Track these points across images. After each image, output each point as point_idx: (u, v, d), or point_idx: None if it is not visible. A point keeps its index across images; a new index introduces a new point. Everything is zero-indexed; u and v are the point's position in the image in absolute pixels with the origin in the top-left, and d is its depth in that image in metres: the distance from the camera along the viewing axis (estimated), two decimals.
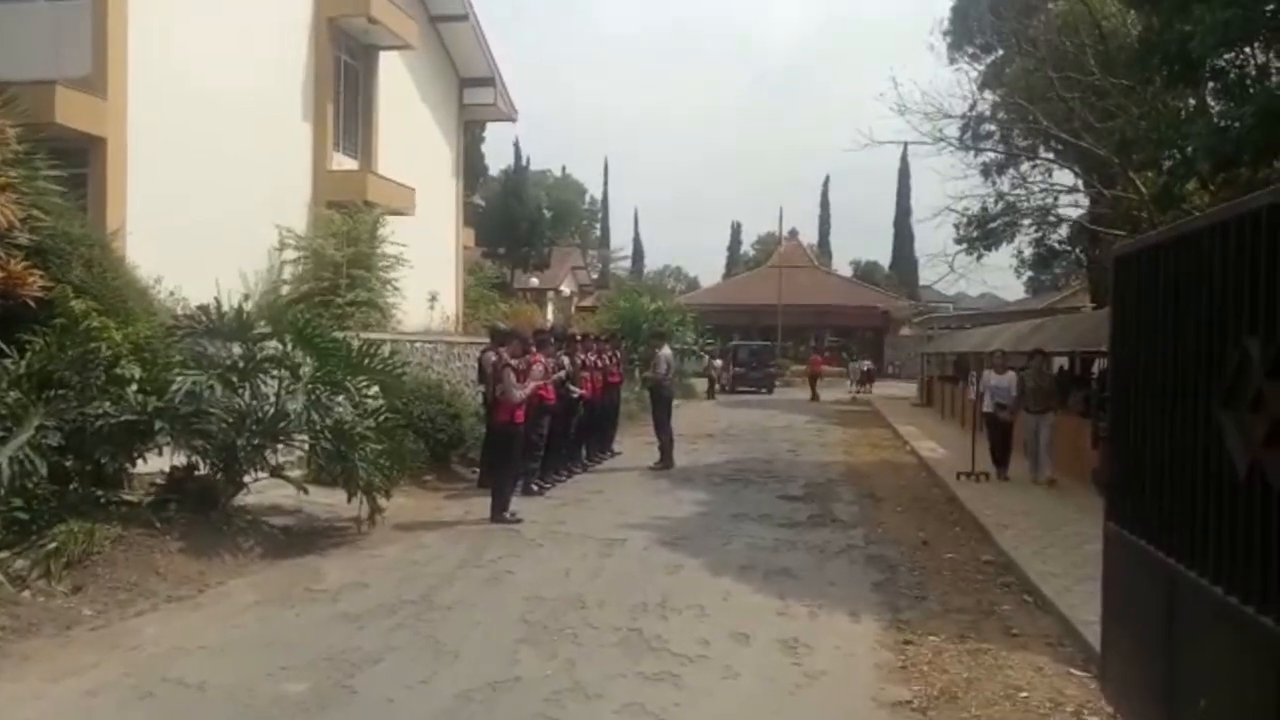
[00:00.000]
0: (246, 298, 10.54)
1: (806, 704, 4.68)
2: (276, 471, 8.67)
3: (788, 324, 45.10)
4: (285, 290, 14.09)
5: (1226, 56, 10.40)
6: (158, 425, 7.35)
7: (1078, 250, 20.91)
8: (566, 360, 11.87)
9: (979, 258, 20.41)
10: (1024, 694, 4.68)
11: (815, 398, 30.54)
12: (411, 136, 18.30)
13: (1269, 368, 2.75)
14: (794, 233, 56.41)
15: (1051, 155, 19.53)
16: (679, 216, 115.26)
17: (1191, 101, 12.46)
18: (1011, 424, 12.07)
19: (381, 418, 8.61)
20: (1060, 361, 15.55)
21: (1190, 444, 3.33)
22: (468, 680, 4.89)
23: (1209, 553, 3.10)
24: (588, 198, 59.86)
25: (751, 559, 7.51)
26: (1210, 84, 11.10)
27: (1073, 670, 5.04)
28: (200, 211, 11.35)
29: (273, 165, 13.98)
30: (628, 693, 4.74)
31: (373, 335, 11.48)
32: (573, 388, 11.75)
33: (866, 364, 38.19)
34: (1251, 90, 10.15)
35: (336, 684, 4.83)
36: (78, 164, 9.96)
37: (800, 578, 7.03)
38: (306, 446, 8.69)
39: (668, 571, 6.63)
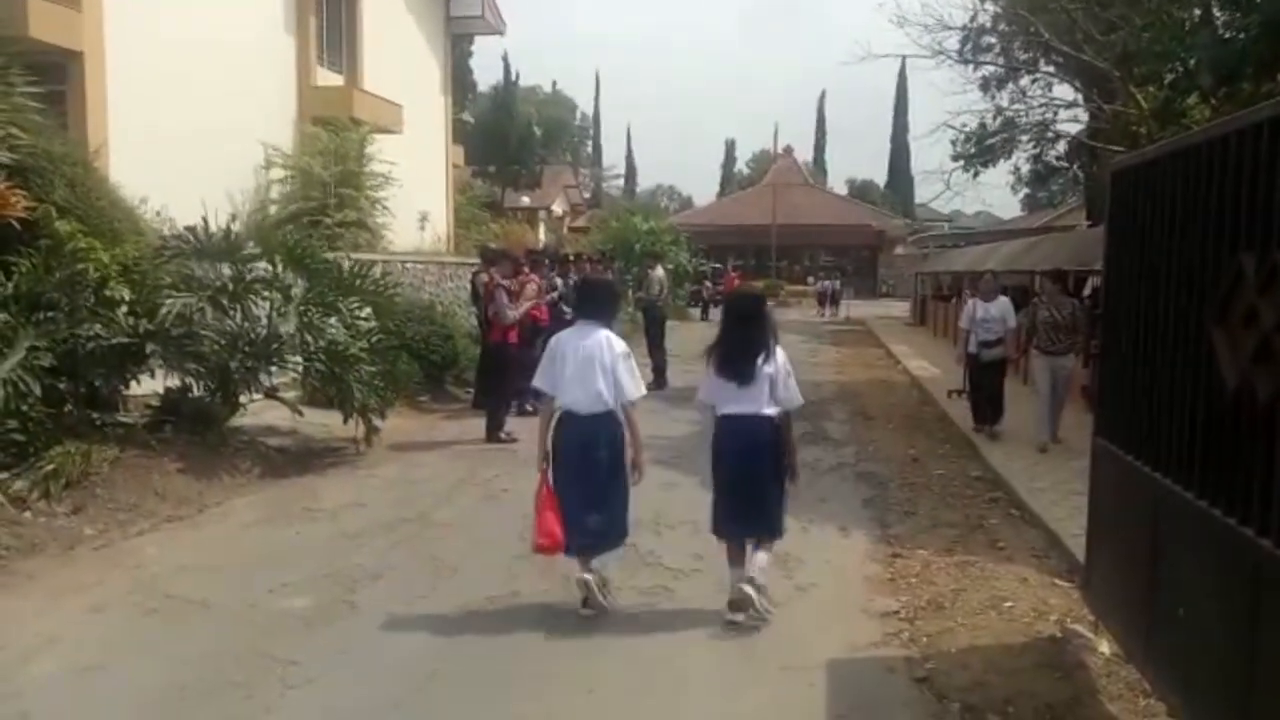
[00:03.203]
0: (234, 218, 10.40)
1: (796, 615, 4.79)
2: (271, 393, 8.69)
3: (782, 244, 44.83)
4: (273, 210, 13.90)
5: None
6: (149, 348, 7.35)
7: (1075, 167, 20.67)
8: (560, 281, 11.81)
9: (976, 175, 20.18)
10: (1009, 604, 4.81)
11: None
12: (398, 51, 17.82)
13: (1262, 283, 2.74)
14: (789, 150, 55.53)
15: (1052, 69, 19.13)
16: (672, 134, 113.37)
17: (1196, 12, 12.14)
18: (1002, 366, 9.34)
19: (375, 339, 8.60)
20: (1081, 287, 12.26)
21: (1180, 360, 3.35)
22: (467, 596, 5.00)
23: (1194, 467, 3.14)
24: (579, 115, 58.76)
25: None
26: None
27: (1057, 581, 5.17)
28: (183, 129, 11.09)
29: (256, 80, 13.62)
30: (623, 606, 4.84)
31: (363, 256, 11.38)
32: (566, 308, 11.71)
33: (830, 283, 34.15)
34: (1255, 1, 9.90)
35: (338, 599, 4.94)
36: (55, 80, 9.68)
37: (792, 494, 7.12)
38: (300, 368, 8.71)
39: (662, 488, 6.72)
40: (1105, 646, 4.15)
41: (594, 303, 4.89)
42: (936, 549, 5.78)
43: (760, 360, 4.56)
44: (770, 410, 4.60)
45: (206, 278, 7.92)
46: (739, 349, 4.61)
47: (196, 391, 7.95)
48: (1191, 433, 3.18)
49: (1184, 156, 3.47)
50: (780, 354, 4.66)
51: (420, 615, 4.76)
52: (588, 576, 4.66)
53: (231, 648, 4.28)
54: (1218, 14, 11.45)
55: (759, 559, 4.64)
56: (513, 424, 9.51)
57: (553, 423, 4.74)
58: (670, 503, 6.64)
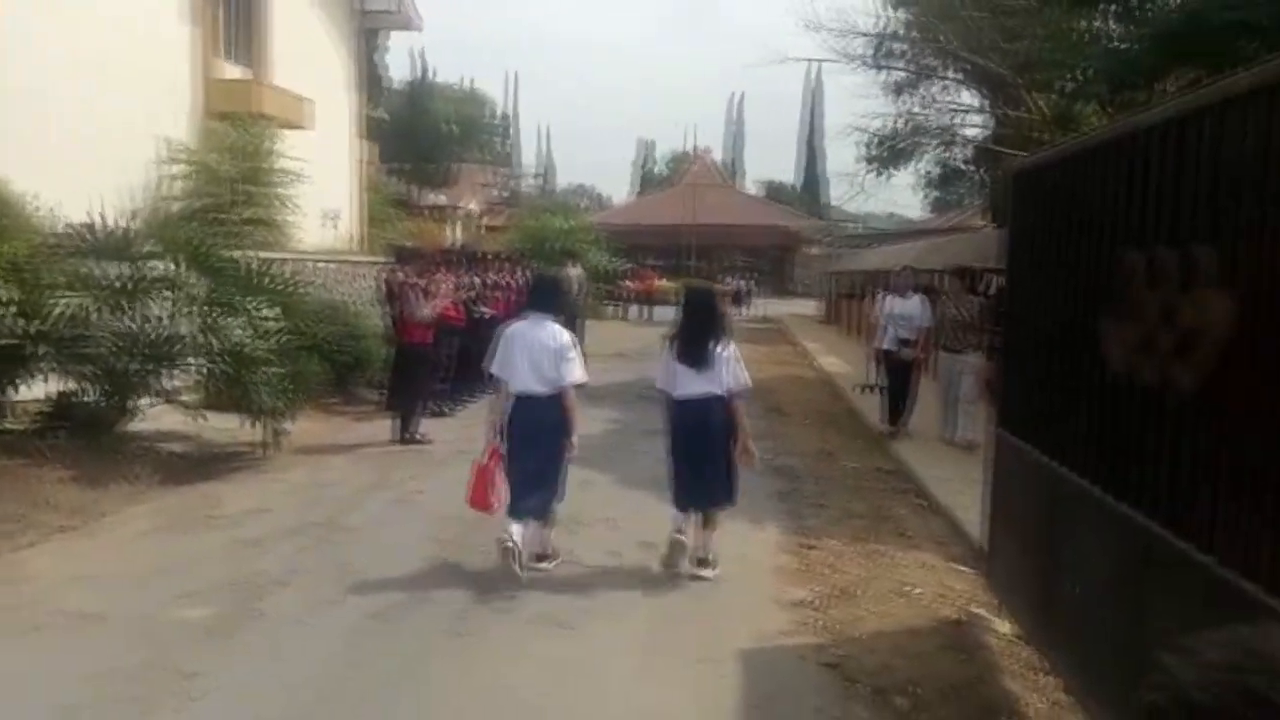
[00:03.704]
0: (133, 215, 9.96)
1: (711, 608, 4.84)
2: (170, 397, 8.36)
3: (699, 243, 45.20)
4: (173, 207, 13.36)
5: None
6: (40, 350, 6.98)
7: (980, 170, 21.41)
8: (475, 280, 11.67)
9: (886, 177, 20.74)
10: (915, 590, 4.95)
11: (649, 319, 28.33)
12: (307, 45, 17.33)
13: (1150, 280, 2.88)
14: (705, 151, 56.13)
15: (957, 75, 19.77)
16: (589, 134, 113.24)
17: (1096, 23, 12.71)
18: (911, 365, 9.15)
19: (282, 340, 8.34)
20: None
21: (1074, 352, 3.50)
22: (378, 600, 4.89)
23: (1087, 454, 3.28)
24: (495, 113, 58.16)
25: (661, 473, 7.55)
26: (1109, 6, 11.33)
27: (959, 567, 5.35)
28: (76, 123, 10.57)
29: (154, 73, 13.06)
30: (539, 605, 4.82)
31: (269, 254, 11.02)
32: (481, 308, 11.59)
33: (741, 282, 32.91)
34: (1146, 14, 10.41)
35: (242, 608, 4.76)
36: None
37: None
38: (202, 371, 8.39)
39: (579, 487, 6.67)
40: (1005, 628, 4.30)
41: (544, 297, 5.53)
42: (847, 539, 5.91)
43: (714, 347, 5.10)
44: (722, 391, 5.11)
45: (101, 277, 7.56)
46: (696, 338, 5.16)
47: (90, 396, 7.58)
48: (1085, 421, 3.32)
49: (1076, 159, 3.63)
50: (731, 343, 5.21)
51: (330, 622, 4.62)
52: (513, 539, 5.02)
53: (128, 662, 4.08)
54: (1111, 26, 12.00)
55: (711, 538, 5.27)
56: (426, 425, 9.35)
57: (508, 404, 5.27)
58: (586, 501, 6.62)
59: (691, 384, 5.13)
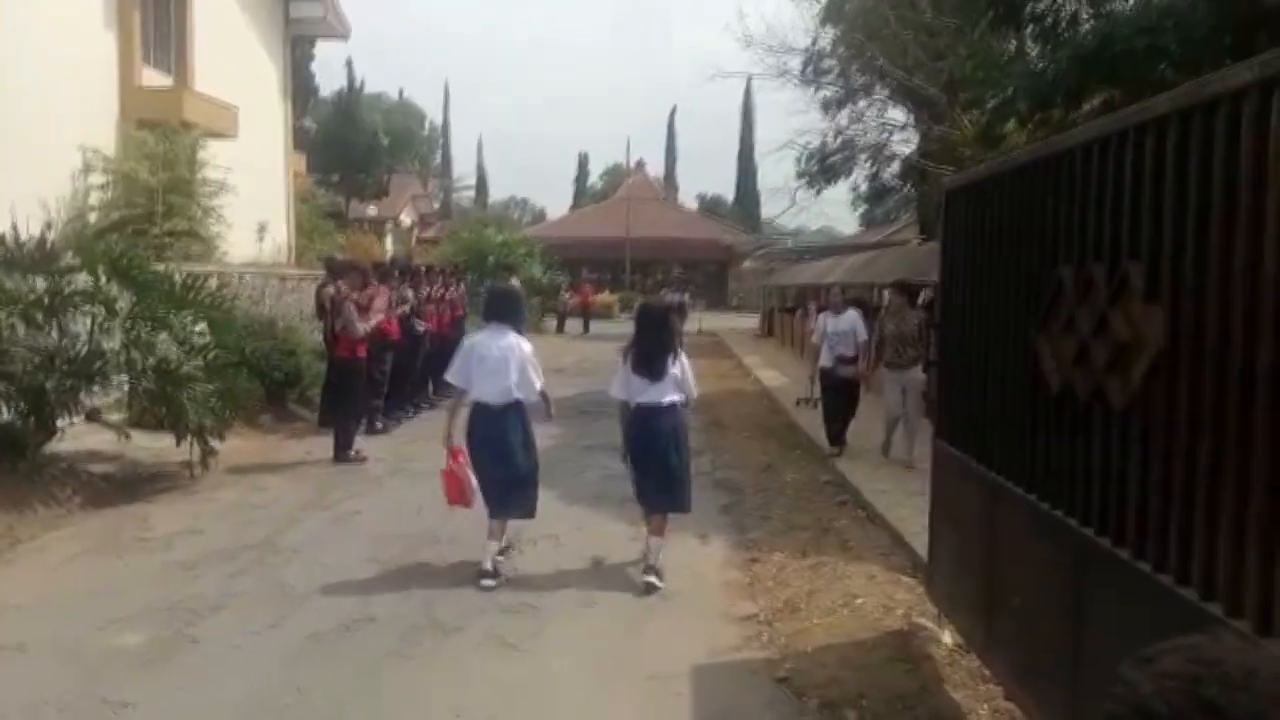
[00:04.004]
0: (49, 226, 9.58)
1: (660, 624, 4.84)
2: (93, 415, 8.05)
3: (635, 257, 45.37)
4: (93, 218, 12.90)
5: (1045, 3, 11.02)
6: None
7: (908, 186, 21.98)
8: (410, 293, 11.52)
9: (819, 192, 21.18)
10: (859, 601, 5.02)
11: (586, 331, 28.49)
12: (232, 52, 16.93)
13: (1079, 294, 2.99)
14: (641, 165, 56.35)
15: (886, 93, 20.30)
16: (524, 146, 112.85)
17: (1014, 44, 13.17)
18: (855, 383, 8.98)
19: (211, 355, 8.10)
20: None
21: (1009, 365, 3.60)
22: (319, 622, 4.77)
23: (1024, 464, 3.38)
24: (427, 124, 57.56)
25: (604, 488, 7.63)
26: (1031, 28, 11.75)
27: (902, 577, 5.44)
28: None
29: (72, 79, 12.62)
30: (486, 625, 4.76)
31: (196, 267, 10.71)
32: (417, 322, 11.44)
33: (675, 295, 33.16)
34: (1064, 37, 10.82)
35: (176, 633, 4.61)
36: None
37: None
38: (126, 388, 8.09)
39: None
40: (948, 637, 4.39)
41: (503, 308, 5.76)
42: (791, 552, 5.97)
43: (668, 359, 5.40)
44: (675, 398, 5.44)
45: (17, 290, 7.24)
46: (652, 350, 5.42)
47: (6, 415, 7.25)
48: (1021, 432, 3.42)
49: (1008, 177, 3.74)
50: (683, 355, 5.56)
51: (269, 646, 4.50)
52: (494, 559, 5.38)
53: (54, 693, 3.91)
54: (1032, 47, 12.45)
55: (653, 545, 5.44)
56: (361, 442, 9.18)
57: (467, 413, 5.52)
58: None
59: (646, 392, 5.39)
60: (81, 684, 4.02)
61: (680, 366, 5.46)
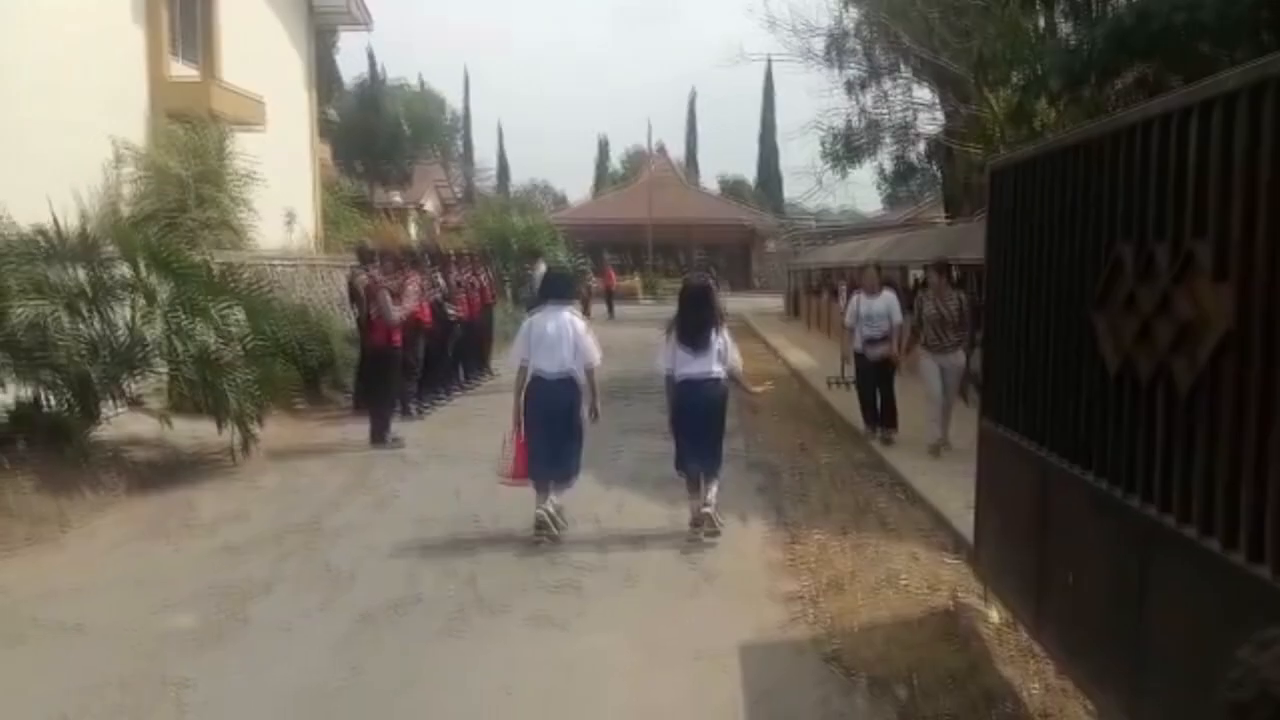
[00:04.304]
0: (84, 218, 9.68)
1: (705, 603, 4.88)
2: (135, 403, 8.17)
3: (657, 240, 45.30)
4: (126, 210, 13.04)
5: None
6: (0, 358, 6.77)
7: (935, 165, 21.74)
8: (441, 279, 11.57)
9: (844, 174, 21.00)
10: (903, 580, 5.02)
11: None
12: (258, 44, 17.00)
13: (1140, 271, 2.96)
14: (662, 148, 56.14)
15: (910, 72, 20.07)
16: (544, 131, 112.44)
17: (1042, 22, 12.99)
18: (890, 365, 8.66)
19: (249, 343, 8.19)
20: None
21: (1063, 344, 3.58)
22: (367, 603, 4.84)
23: (1081, 444, 3.36)
24: (448, 112, 57.63)
25: (641, 470, 7.67)
26: (1062, 4, 11.59)
27: (945, 556, 5.44)
28: (20, 123, 10.25)
29: (103, 73, 12.72)
30: (532, 604, 4.81)
31: (228, 256, 10.82)
32: (449, 307, 11.50)
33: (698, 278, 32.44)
34: (1096, 14, 10.65)
35: (228, 615, 4.69)
36: None
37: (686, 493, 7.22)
38: (166, 376, 8.21)
39: None
40: (995, 615, 4.39)
41: (558, 290, 6.25)
42: (831, 532, 5.98)
43: (711, 333, 5.85)
44: (719, 371, 5.88)
45: (60, 282, 7.36)
46: (695, 324, 5.88)
47: (52, 403, 7.38)
48: (1078, 412, 3.40)
49: (1060, 155, 3.71)
50: (725, 329, 6.00)
51: (320, 627, 4.57)
52: (547, 509, 5.78)
53: (116, 673, 3.99)
54: (1062, 24, 12.28)
55: (711, 492, 5.89)
56: (398, 427, 9.26)
57: (526, 384, 5.92)
58: (571, 500, 6.58)
59: (691, 365, 5.84)
60: (140, 664, 4.10)
61: (723, 340, 5.91)
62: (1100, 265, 3.24)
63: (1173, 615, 2.71)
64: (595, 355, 5.97)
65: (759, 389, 6.98)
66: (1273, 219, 2.31)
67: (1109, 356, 3.15)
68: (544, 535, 5.74)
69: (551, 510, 5.82)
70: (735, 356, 6.08)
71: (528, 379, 5.92)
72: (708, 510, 5.84)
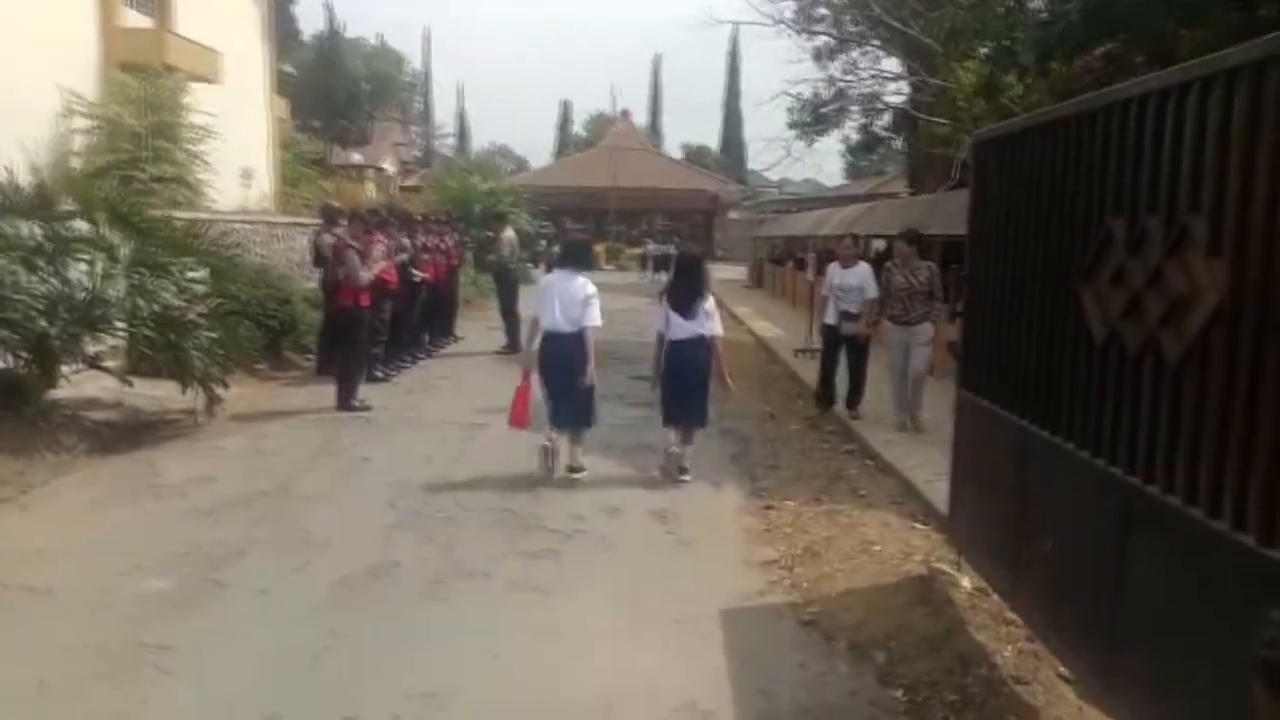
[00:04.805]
0: (36, 171, 9.34)
1: (683, 568, 4.92)
2: (94, 363, 7.96)
3: (620, 207, 45.03)
4: (77, 163, 12.61)
5: None
6: None
7: (900, 138, 21.87)
8: (407, 242, 11.40)
9: (811, 143, 21.04)
10: (877, 547, 5.11)
11: None
12: None
13: (1130, 246, 3.01)
14: (625, 113, 55.71)
15: (880, 42, 20.09)
16: (505, 93, 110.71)
17: None
18: (861, 340, 8.35)
19: (213, 303, 8.01)
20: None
21: (1046, 316, 3.63)
22: (344, 568, 4.80)
23: (1063, 414, 3.43)
24: (408, 70, 56.46)
25: (612, 437, 7.67)
26: None
27: (916, 524, 5.54)
28: None
29: (51, 21, 12.25)
30: (510, 570, 4.81)
31: (185, 214, 10.53)
32: (415, 270, 11.34)
33: (658, 248, 30.39)
34: None
35: (202, 579, 4.63)
36: None
37: (661, 452, 7.25)
38: (126, 336, 8.00)
39: (532, 453, 6.66)
40: (967, 582, 4.49)
41: (574, 256, 6.92)
42: (804, 499, 6.05)
43: (699, 300, 6.52)
44: (704, 332, 6.51)
45: (16, 236, 7.11)
46: (685, 291, 6.58)
47: (9, 362, 7.16)
48: (1060, 382, 3.46)
49: (1049, 129, 3.74)
50: (711, 297, 6.63)
51: (297, 591, 4.53)
52: (549, 443, 6.54)
53: (90, 637, 3.93)
54: None
55: (687, 451, 6.60)
56: (364, 391, 9.14)
57: (538, 339, 6.60)
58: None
59: (682, 327, 6.50)
60: (116, 628, 4.04)
61: (710, 305, 6.56)
62: (1089, 239, 3.28)
63: (1153, 581, 2.79)
64: (596, 318, 6.53)
65: (732, 385, 7.21)
66: (1271, 196, 2.35)
67: (1095, 329, 3.20)
68: (546, 461, 6.49)
69: (555, 439, 6.55)
70: (717, 327, 6.62)
71: (540, 335, 6.56)
72: (677, 450, 6.52)
